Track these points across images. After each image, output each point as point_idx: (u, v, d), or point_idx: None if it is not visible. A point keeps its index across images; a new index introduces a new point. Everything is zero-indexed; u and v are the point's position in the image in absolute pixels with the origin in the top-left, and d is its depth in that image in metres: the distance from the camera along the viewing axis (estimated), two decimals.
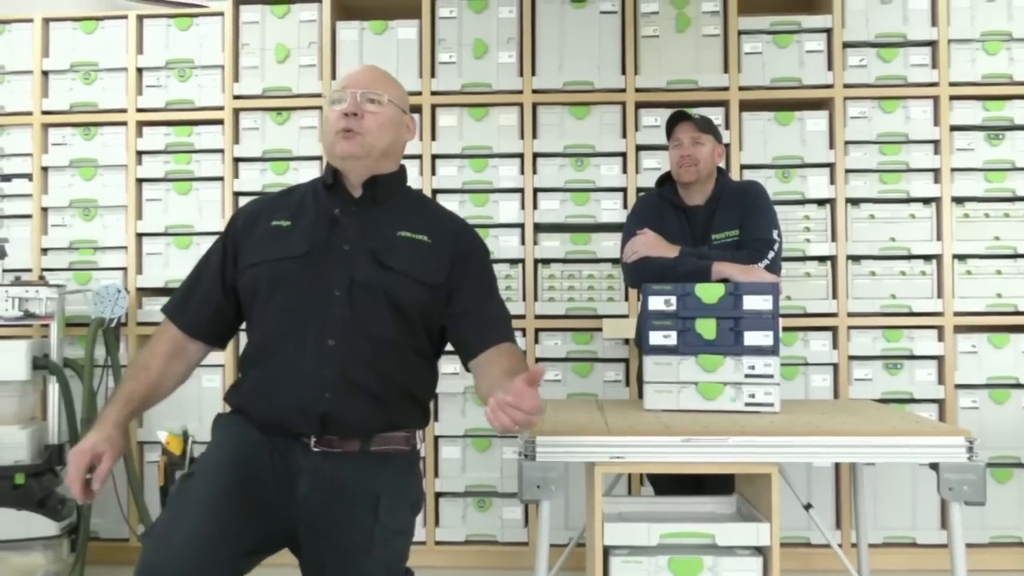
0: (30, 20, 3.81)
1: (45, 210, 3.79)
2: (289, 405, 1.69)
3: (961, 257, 3.56)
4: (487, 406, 1.53)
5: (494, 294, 1.87)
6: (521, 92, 3.66)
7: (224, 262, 1.82)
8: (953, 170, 3.57)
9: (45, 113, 3.79)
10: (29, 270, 3.73)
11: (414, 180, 3.66)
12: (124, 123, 3.78)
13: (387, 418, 1.73)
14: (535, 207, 3.65)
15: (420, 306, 1.75)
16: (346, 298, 1.70)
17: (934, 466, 2.00)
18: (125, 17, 3.81)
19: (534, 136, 3.66)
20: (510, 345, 1.80)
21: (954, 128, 3.59)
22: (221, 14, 3.78)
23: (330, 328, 1.70)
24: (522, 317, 3.59)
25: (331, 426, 1.69)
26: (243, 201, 3.63)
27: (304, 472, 1.68)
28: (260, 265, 1.75)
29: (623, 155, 3.64)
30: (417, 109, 3.69)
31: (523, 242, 3.65)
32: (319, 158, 3.68)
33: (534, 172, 3.65)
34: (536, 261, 3.64)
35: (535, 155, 3.66)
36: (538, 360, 3.59)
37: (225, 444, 1.75)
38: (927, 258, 3.58)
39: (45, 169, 3.80)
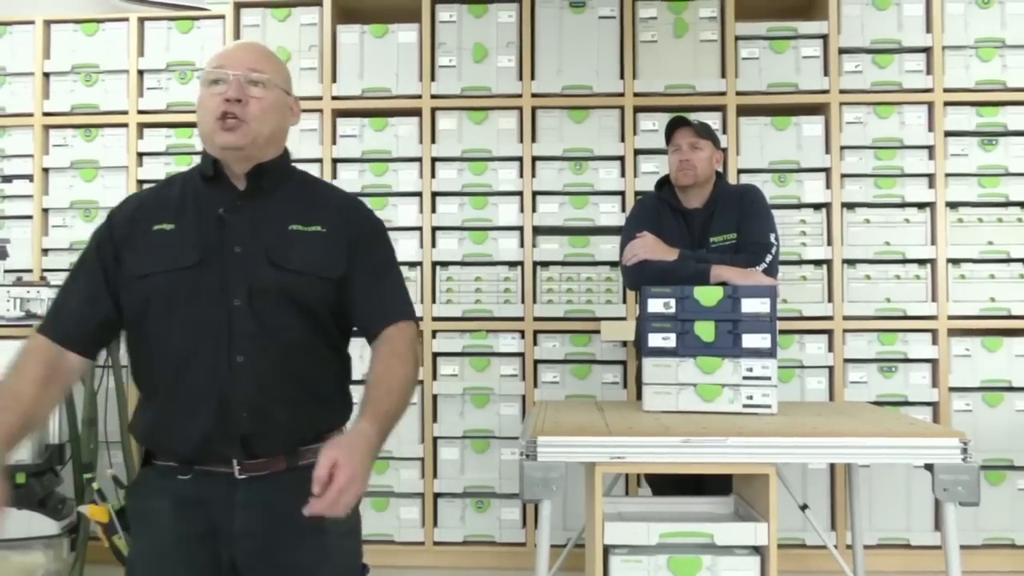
0: (31, 22, 3.83)
1: (46, 211, 3.81)
2: (204, 434, 1.55)
3: (955, 261, 3.60)
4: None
5: (391, 270, 1.71)
6: (520, 96, 3.69)
7: (105, 269, 1.61)
8: (947, 175, 3.61)
9: (46, 114, 3.81)
10: (30, 271, 3.75)
11: (414, 182, 3.69)
12: (125, 125, 3.79)
13: (312, 424, 1.62)
14: (534, 210, 3.67)
15: (326, 302, 1.62)
16: (247, 308, 1.55)
17: (929, 467, 2.02)
18: (126, 19, 3.84)
19: (533, 140, 3.69)
20: (396, 331, 1.64)
21: (948, 134, 3.63)
22: (222, 17, 3.80)
23: (236, 343, 1.55)
24: (521, 319, 3.62)
25: (254, 446, 1.56)
26: None
27: (236, 508, 1.56)
28: (150, 278, 1.57)
29: (621, 159, 3.67)
30: (417, 112, 3.72)
31: (522, 245, 3.67)
32: (319, 160, 3.70)
33: (533, 175, 3.68)
34: (535, 264, 3.66)
35: (534, 158, 3.68)
36: (536, 362, 3.62)
37: (141, 546, 1.64)
38: (921, 262, 3.62)
39: (46, 170, 3.82)
